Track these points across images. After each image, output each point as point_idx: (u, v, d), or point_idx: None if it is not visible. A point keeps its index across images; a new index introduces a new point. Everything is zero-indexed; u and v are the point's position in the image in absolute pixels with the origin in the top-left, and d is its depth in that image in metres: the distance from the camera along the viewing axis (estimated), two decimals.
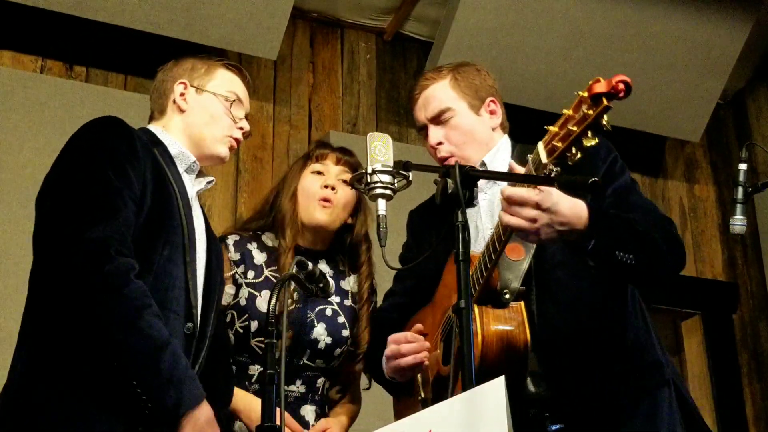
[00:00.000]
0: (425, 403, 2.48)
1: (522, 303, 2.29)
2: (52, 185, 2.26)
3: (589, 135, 1.92)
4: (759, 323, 5.23)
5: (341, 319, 2.93)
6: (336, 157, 3.01)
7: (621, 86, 1.86)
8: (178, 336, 2.26)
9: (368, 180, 2.16)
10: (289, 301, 2.80)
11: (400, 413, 2.62)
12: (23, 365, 2.17)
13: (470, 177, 2.04)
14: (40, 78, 4.16)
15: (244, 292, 2.84)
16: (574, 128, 1.93)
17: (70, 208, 2.16)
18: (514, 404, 1.67)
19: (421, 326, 2.51)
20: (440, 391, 2.40)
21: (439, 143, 2.59)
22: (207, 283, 2.42)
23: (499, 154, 2.59)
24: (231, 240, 2.90)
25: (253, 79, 3.57)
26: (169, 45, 4.27)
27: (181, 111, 2.54)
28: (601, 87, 1.87)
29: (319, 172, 2.98)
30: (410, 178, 2.20)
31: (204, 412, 2.15)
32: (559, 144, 1.97)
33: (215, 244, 2.56)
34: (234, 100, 2.56)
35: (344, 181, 2.95)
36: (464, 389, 1.79)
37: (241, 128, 2.57)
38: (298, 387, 2.86)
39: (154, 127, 2.53)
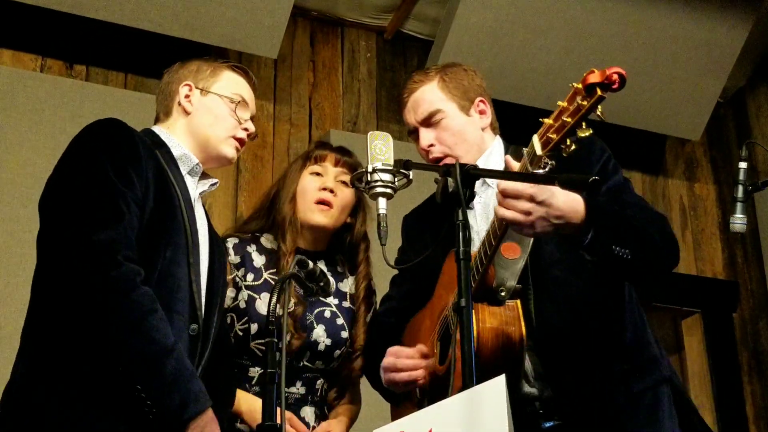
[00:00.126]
0: (421, 403, 2.48)
1: (518, 301, 2.29)
2: (56, 188, 2.26)
3: (584, 126, 1.93)
4: (759, 322, 5.23)
5: (340, 321, 2.93)
6: (335, 158, 3.01)
7: (615, 77, 1.87)
8: (183, 338, 2.26)
9: (369, 179, 2.16)
10: (292, 302, 2.81)
11: (397, 417, 2.62)
12: (26, 366, 2.17)
13: (471, 176, 2.04)
14: (40, 77, 4.16)
15: (244, 294, 2.84)
16: (569, 119, 1.94)
17: (76, 212, 2.16)
18: (509, 401, 1.67)
19: (423, 348, 2.51)
20: (438, 391, 2.40)
21: (431, 145, 2.59)
22: (210, 285, 2.42)
23: (492, 157, 2.59)
24: (231, 243, 2.90)
25: None
26: (170, 44, 4.27)
27: (186, 113, 2.54)
28: (595, 77, 1.88)
29: (317, 174, 2.98)
30: (411, 177, 2.20)
31: (208, 419, 2.15)
32: (554, 136, 1.98)
33: (218, 245, 2.56)
34: (239, 102, 2.55)
35: (343, 183, 2.95)
36: (465, 388, 1.79)
37: (246, 129, 2.57)
38: (298, 388, 2.86)
39: (158, 129, 2.53)
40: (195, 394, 2.13)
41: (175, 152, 2.47)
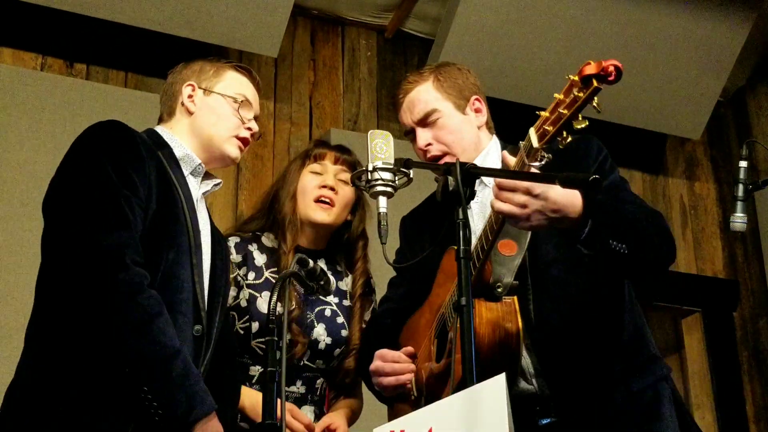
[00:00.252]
0: (418, 401, 2.48)
1: (515, 298, 2.29)
2: (59, 191, 2.26)
3: (580, 118, 1.93)
4: (759, 321, 5.23)
5: (340, 320, 2.93)
6: (334, 157, 3.02)
7: (611, 68, 1.87)
8: (187, 338, 2.26)
9: (369, 177, 2.16)
10: (292, 303, 2.81)
11: (394, 416, 2.62)
12: (30, 366, 2.17)
13: (471, 174, 2.04)
14: (41, 75, 4.16)
15: (245, 293, 2.85)
16: (565, 111, 1.94)
17: (81, 215, 2.17)
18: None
19: (411, 349, 2.51)
20: (435, 388, 2.40)
21: (428, 144, 2.59)
22: (212, 285, 2.42)
23: (489, 156, 2.59)
24: (232, 242, 2.91)
25: None
26: (170, 42, 4.27)
27: (190, 113, 2.54)
28: (591, 69, 1.89)
29: (317, 172, 2.99)
30: (411, 176, 2.20)
31: (214, 421, 2.16)
32: (550, 128, 1.98)
33: (221, 245, 2.56)
34: (242, 101, 2.55)
35: (343, 180, 2.95)
36: (465, 387, 1.80)
37: (250, 129, 2.56)
38: (298, 387, 2.86)
39: (161, 129, 2.53)
40: (201, 396, 2.13)
41: (178, 153, 2.47)
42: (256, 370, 2.83)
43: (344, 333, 2.92)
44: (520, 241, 2.34)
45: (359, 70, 4.89)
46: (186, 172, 2.46)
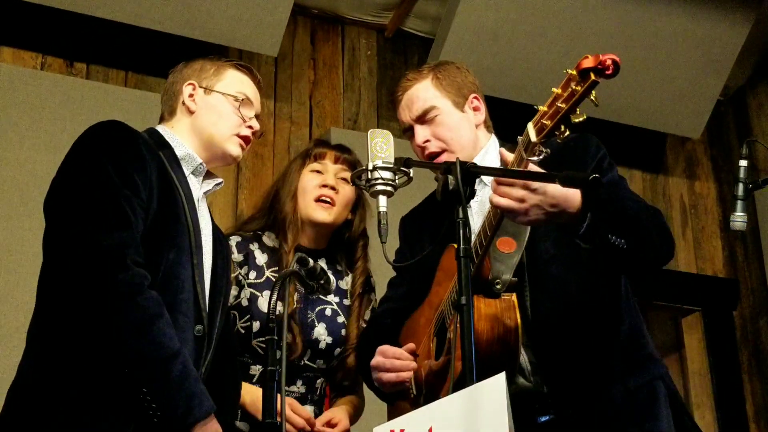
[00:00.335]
0: (417, 400, 2.48)
1: (514, 294, 2.29)
2: (60, 192, 2.26)
3: (578, 112, 1.94)
4: (759, 320, 5.23)
5: (341, 319, 2.94)
6: (335, 156, 3.02)
7: (608, 62, 1.87)
8: (188, 338, 2.26)
9: (369, 176, 2.17)
10: (293, 302, 2.81)
11: (394, 415, 2.62)
12: (31, 366, 2.18)
13: (471, 173, 2.04)
14: (41, 74, 4.16)
15: (246, 292, 2.85)
16: (563, 105, 1.95)
17: (82, 216, 2.17)
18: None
19: (413, 345, 2.51)
20: (434, 386, 2.40)
21: (427, 141, 2.59)
22: (213, 285, 2.42)
23: (488, 155, 2.59)
24: (233, 241, 2.91)
25: None
26: (170, 42, 4.27)
27: (191, 112, 2.53)
28: (588, 62, 1.89)
29: (317, 171, 2.99)
30: (411, 175, 2.20)
31: (212, 423, 2.15)
32: (548, 122, 1.99)
33: (222, 245, 2.56)
34: (243, 100, 2.55)
35: (343, 179, 2.96)
36: (464, 383, 1.80)
37: (251, 127, 2.56)
38: (298, 387, 2.86)
39: (162, 128, 2.53)
40: (199, 398, 2.13)
41: (179, 152, 2.47)
42: (256, 370, 2.83)
43: (344, 332, 2.92)
44: (519, 238, 2.34)
45: (359, 69, 4.89)
46: (187, 171, 2.46)
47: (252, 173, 4.44)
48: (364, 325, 2.95)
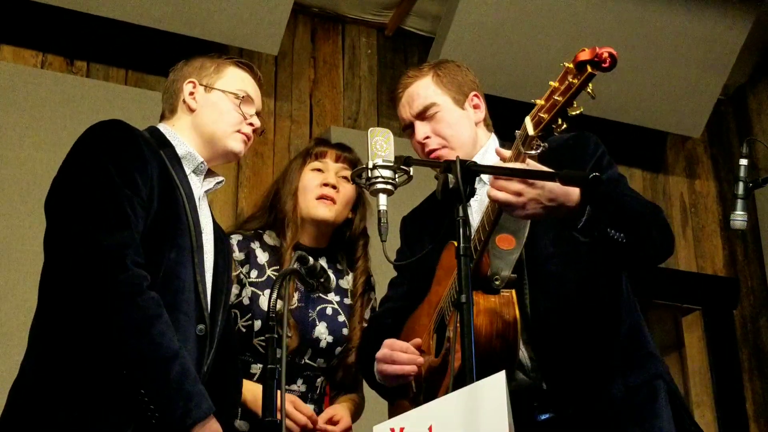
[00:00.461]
0: (416, 398, 2.48)
1: (513, 291, 2.29)
2: (61, 191, 2.26)
3: (575, 105, 1.94)
4: (759, 319, 5.23)
5: (341, 318, 2.94)
6: (335, 154, 3.02)
7: (605, 55, 1.88)
8: (190, 338, 2.26)
9: (369, 175, 2.16)
10: (293, 300, 2.81)
11: (394, 413, 2.62)
12: (33, 365, 2.18)
13: (471, 172, 2.04)
14: (41, 73, 4.16)
15: (247, 291, 2.85)
16: (560, 98, 1.95)
17: (83, 216, 2.17)
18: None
19: (419, 341, 2.51)
20: (434, 383, 2.40)
21: (427, 137, 2.59)
22: (215, 284, 2.42)
23: (488, 154, 2.59)
24: (235, 240, 2.91)
25: None
26: (170, 40, 4.27)
27: (191, 110, 2.53)
28: (585, 55, 1.90)
29: (318, 170, 2.99)
30: (411, 173, 2.20)
31: (211, 425, 2.15)
32: (545, 115, 1.99)
33: (223, 244, 2.56)
34: (243, 97, 2.55)
35: (344, 178, 2.96)
36: (464, 376, 1.80)
37: (252, 124, 2.56)
38: (299, 386, 2.86)
39: (163, 127, 2.53)
40: (198, 399, 2.12)
41: (180, 151, 2.47)
42: (257, 368, 2.83)
43: (345, 331, 2.92)
44: (519, 235, 2.34)
45: (359, 67, 4.89)
46: (188, 170, 2.46)
47: (252, 172, 4.44)
48: (365, 325, 2.95)
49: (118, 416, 2.08)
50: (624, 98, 4.86)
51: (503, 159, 2.17)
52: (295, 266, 2.35)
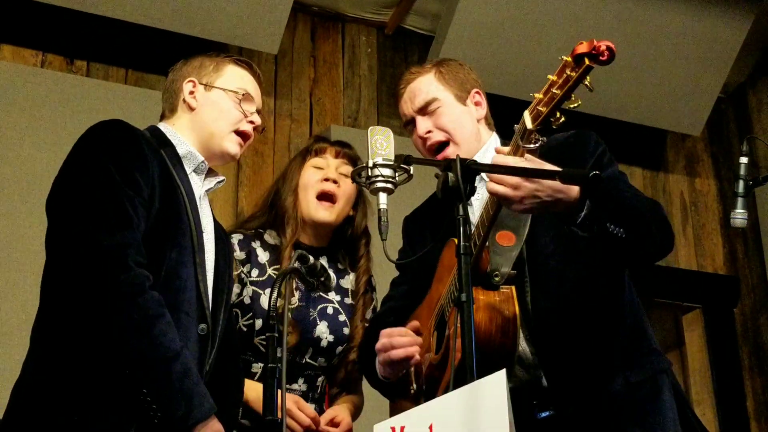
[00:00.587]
0: (417, 396, 2.48)
1: (513, 287, 2.29)
2: (63, 191, 2.26)
3: (573, 98, 1.94)
4: (760, 317, 5.24)
5: (342, 318, 2.94)
6: (335, 151, 3.02)
7: (603, 47, 1.88)
8: (192, 338, 2.26)
9: (369, 173, 2.16)
10: (294, 299, 2.81)
11: (395, 412, 2.62)
12: (35, 365, 2.18)
13: (471, 170, 2.04)
14: (41, 72, 4.16)
15: (248, 290, 2.85)
16: (558, 92, 1.96)
17: (84, 216, 2.17)
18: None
19: (417, 323, 2.51)
20: (433, 379, 2.40)
21: (429, 131, 2.60)
22: (216, 284, 2.42)
23: (489, 153, 2.59)
24: (236, 239, 2.91)
25: None
26: (170, 39, 4.27)
27: (191, 109, 2.53)
28: (583, 48, 1.91)
29: (318, 167, 2.99)
30: (411, 172, 2.20)
31: (212, 425, 2.15)
32: (544, 109, 1.99)
33: (224, 243, 2.56)
34: (243, 95, 2.55)
35: (345, 174, 2.96)
36: (465, 377, 1.80)
37: (252, 122, 2.56)
38: (300, 385, 2.86)
39: (163, 126, 2.53)
40: (200, 399, 2.12)
41: (180, 150, 2.46)
42: (258, 367, 2.83)
43: (346, 331, 2.92)
44: (519, 232, 2.34)
45: (359, 66, 4.89)
46: (189, 170, 2.46)
47: (252, 171, 4.45)
48: (366, 325, 2.95)
49: (120, 416, 2.09)
50: (624, 97, 4.86)
51: (502, 153, 2.17)
52: (295, 265, 2.35)
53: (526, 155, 2.10)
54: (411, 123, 2.65)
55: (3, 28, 4.14)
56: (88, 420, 2.08)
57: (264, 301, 2.83)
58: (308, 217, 2.93)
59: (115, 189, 2.19)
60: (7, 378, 2.23)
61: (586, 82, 1.92)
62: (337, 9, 4.87)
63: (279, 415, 2.11)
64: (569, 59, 1.92)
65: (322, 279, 2.41)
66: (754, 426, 5.02)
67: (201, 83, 2.55)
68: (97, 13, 4.18)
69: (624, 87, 4.79)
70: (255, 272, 2.88)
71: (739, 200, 3.30)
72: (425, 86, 2.63)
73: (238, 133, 2.53)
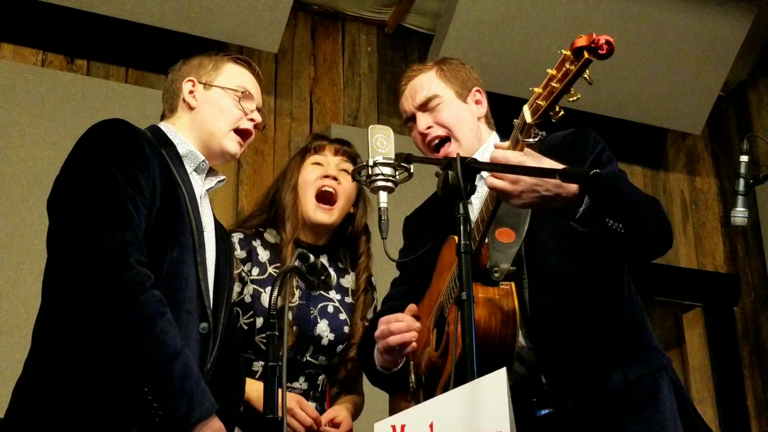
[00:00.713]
0: (416, 392, 2.48)
1: (512, 283, 2.29)
2: (64, 190, 2.26)
3: (572, 92, 1.94)
4: (760, 315, 5.24)
5: (342, 316, 2.94)
6: (334, 148, 3.02)
7: (602, 41, 1.88)
8: (194, 336, 2.27)
9: (370, 172, 2.17)
10: (294, 298, 2.81)
11: (395, 410, 2.62)
12: (36, 364, 2.18)
13: (471, 169, 2.04)
14: (41, 71, 4.16)
15: (249, 288, 2.85)
16: (557, 85, 1.96)
17: (86, 215, 2.16)
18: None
19: (414, 307, 2.51)
20: (433, 376, 2.40)
21: (429, 127, 2.60)
22: (217, 282, 2.42)
23: (488, 152, 2.59)
24: (236, 238, 2.91)
25: None
26: (171, 38, 4.27)
27: (191, 108, 2.53)
28: (582, 41, 1.91)
29: (318, 164, 2.99)
30: (412, 171, 2.20)
31: (213, 424, 2.15)
32: (543, 103, 2.00)
33: (225, 242, 2.56)
34: (243, 93, 2.55)
35: (345, 171, 2.96)
36: (465, 381, 1.80)
37: (252, 120, 2.56)
38: (300, 384, 2.86)
39: (164, 126, 2.53)
40: (201, 398, 2.12)
41: (181, 150, 2.47)
42: (259, 366, 2.83)
43: (346, 329, 2.92)
44: (518, 229, 2.34)
45: (359, 65, 4.89)
46: (189, 169, 2.46)
47: (252, 170, 4.45)
48: (367, 323, 2.95)
49: (122, 415, 2.09)
50: (625, 95, 4.86)
51: (501, 149, 2.17)
52: (296, 263, 2.35)
53: (526, 149, 2.10)
54: (411, 119, 2.65)
55: (3, 27, 4.15)
56: (89, 419, 2.08)
57: (265, 299, 2.83)
58: (307, 218, 2.94)
59: (117, 188, 2.20)
60: (8, 377, 2.23)
61: (585, 76, 1.92)
62: (337, 8, 4.87)
63: (280, 413, 2.11)
64: (568, 53, 1.92)
65: (323, 277, 2.41)
66: (755, 424, 5.02)
67: (200, 82, 2.55)
68: (98, 12, 4.18)
69: (624, 85, 4.79)
70: (255, 271, 2.88)
71: (740, 198, 3.29)
72: (426, 83, 2.63)
73: (238, 131, 2.53)
